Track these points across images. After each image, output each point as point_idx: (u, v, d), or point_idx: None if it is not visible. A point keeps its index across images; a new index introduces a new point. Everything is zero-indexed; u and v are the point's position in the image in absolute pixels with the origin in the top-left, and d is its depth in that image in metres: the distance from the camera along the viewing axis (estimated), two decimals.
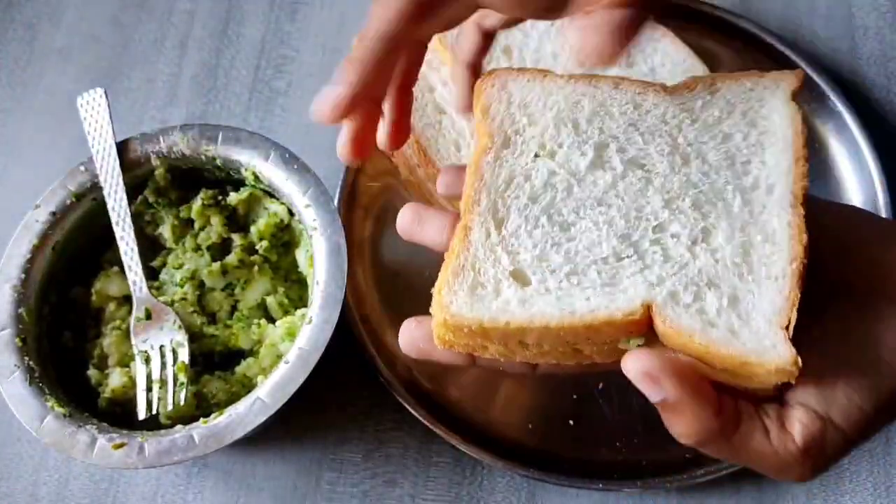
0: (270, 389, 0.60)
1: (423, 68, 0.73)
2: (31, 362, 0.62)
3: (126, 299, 0.68)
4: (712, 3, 0.81)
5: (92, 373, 0.66)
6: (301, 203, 0.66)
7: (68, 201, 0.68)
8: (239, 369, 0.66)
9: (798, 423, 0.45)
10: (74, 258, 0.69)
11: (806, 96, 0.78)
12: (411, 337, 0.50)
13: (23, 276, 0.65)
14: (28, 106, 0.86)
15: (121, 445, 0.59)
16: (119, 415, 0.65)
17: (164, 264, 0.70)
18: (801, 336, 0.44)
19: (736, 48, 0.81)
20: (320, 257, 0.64)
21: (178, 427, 0.61)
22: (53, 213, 0.67)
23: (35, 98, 0.86)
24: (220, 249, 0.71)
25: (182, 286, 0.68)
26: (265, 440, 0.70)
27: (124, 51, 0.88)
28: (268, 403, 0.59)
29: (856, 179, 0.75)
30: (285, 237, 0.71)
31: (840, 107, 0.76)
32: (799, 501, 0.66)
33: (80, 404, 0.63)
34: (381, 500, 0.68)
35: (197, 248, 0.70)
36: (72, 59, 0.88)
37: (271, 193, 0.70)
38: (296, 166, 0.67)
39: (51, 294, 0.67)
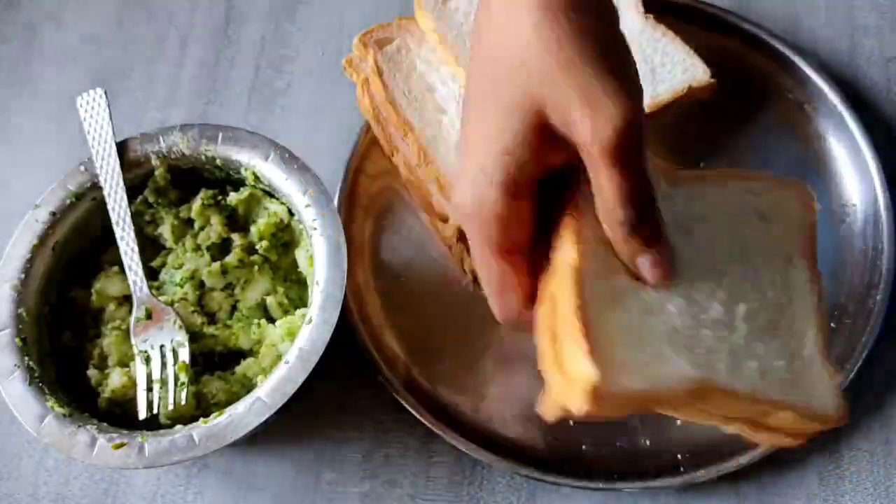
0: (270, 389, 0.60)
1: (423, 68, 0.73)
2: (30, 362, 0.62)
3: (126, 299, 0.68)
4: (712, 2, 0.81)
5: (92, 373, 0.66)
6: (301, 203, 0.66)
7: (68, 201, 0.68)
8: (239, 369, 0.66)
9: None
10: (74, 258, 0.69)
11: (806, 96, 0.78)
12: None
13: (23, 276, 0.65)
14: (28, 106, 0.86)
15: (121, 445, 0.59)
16: (119, 415, 0.65)
17: (164, 264, 0.70)
18: None
19: (736, 48, 0.81)
20: (320, 257, 0.64)
21: (178, 427, 0.61)
22: (53, 213, 0.67)
23: (35, 98, 0.86)
24: (220, 249, 0.71)
25: (182, 286, 0.68)
26: (265, 440, 0.70)
27: (124, 51, 0.88)
28: (268, 403, 0.59)
29: (856, 179, 0.75)
30: (285, 237, 0.71)
31: (840, 107, 0.76)
32: (799, 502, 0.66)
33: (80, 404, 0.63)
34: (381, 500, 0.68)
35: (197, 248, 0.70)
36: (72, 59, 0.88)
37: (271, 193, 0.70)
38: (296, 166, 0.67)
39: (51, 294, 0.67)
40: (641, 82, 0.69)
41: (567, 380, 0.48)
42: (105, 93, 0.70)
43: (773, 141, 0.78)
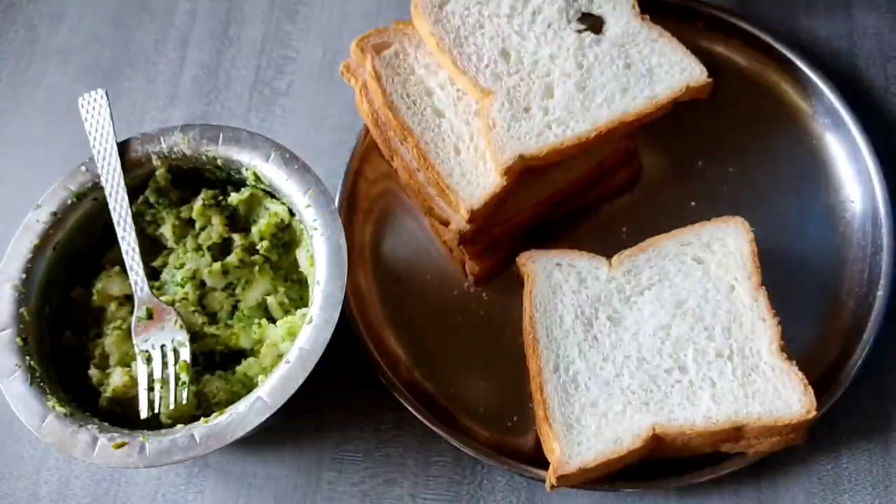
0: (271, 389, 0.60)
1: (421, 72, 0.73)
2: (32, 362, 0.63)
3: (127, 299, 0.69)
4: (711, 2, 0.81)
5: (93, 372, 0.66)
6: (301, 203, 0.66)
7: (69, 201, 0.68)
8: (240, 369, 0.66)
9: None
10: (75, 258, 0.69)
11: (805, 96, 0.79)
12: None
13: (24, 275, 0.65)
14: (28, 106, 0.86)
15: (122, 445, 0.59)
16: (120, 414, 0.65)
17: (165, 264, 0.71)
18: None
19: (735, 48, 0.81)
20: (321, 257, 0.64)
21: (179, 426, 0.61)
22: (54, 213, 0.67)
23: (35, 98, 0.86)
24: (221, 249, 0.71)
25: (183, 286, 0.68)
26: (265, 440, 0.70)
27: (125, 51, 0.88)
28: (268, 403, 0.59)
29: (855, 179, 0.75)
30: (286, 237, 0.71)
31: (839, 107, 0.76)
32: (798, 501, 0.66)
33: (81, 404, 0.63)
34: (381, 499, 0.68)
35: (198, 248, 0.70)
36: (72, 59, 0.88)
37: (272, 193, 0.70)
38: (296, 166, 0.67)
39: (52, 294, 0.67)
40: (639, 83, 0.72)
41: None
42: (106, 93, 0.70)
43: (772, 141, 0.78)
